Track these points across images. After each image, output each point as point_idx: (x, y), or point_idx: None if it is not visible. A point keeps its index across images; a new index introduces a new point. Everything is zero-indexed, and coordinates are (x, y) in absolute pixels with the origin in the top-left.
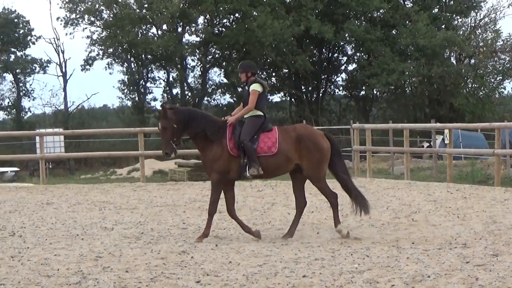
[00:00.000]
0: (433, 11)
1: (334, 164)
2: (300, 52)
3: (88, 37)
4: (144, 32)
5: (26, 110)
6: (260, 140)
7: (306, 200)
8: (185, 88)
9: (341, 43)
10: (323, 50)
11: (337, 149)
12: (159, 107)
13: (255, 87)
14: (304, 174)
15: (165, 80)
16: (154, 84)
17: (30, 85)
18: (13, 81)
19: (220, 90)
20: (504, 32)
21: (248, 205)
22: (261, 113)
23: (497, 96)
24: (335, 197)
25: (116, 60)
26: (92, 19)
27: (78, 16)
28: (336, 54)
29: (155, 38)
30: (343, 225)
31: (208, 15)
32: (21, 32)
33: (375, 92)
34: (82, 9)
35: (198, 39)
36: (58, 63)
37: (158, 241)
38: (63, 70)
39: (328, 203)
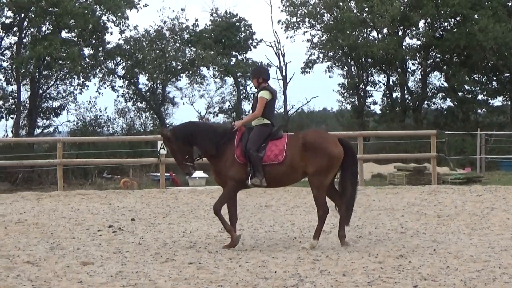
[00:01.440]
0: None
1: (347, 169)
2: None
3: (308, 40)
4: (365, 35)
5: (246, 113)
6: (267, 149)
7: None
8: (405, 92)
9: None
10: None
11: (352, 155)
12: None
13: (263, 94)
14: (308, 180)
15: (385, 83)
16: (374, 87)
17: (250, 88)
18: (233, 85)
19: (440, 94)
20: None
21: (467, 210)
22: (269, 122)
23: None
24: (325, 212)
25: (336, 64)
26: (313, 22)
27: (299, 19)
28: None
29: (376, 41)
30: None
31: (429, 19)
32: (242, 35)
33: None
34: (303, 12)
35: (418, 42)
36: (279, 66)
37: (376, 245)
38: (283, 73)
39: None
